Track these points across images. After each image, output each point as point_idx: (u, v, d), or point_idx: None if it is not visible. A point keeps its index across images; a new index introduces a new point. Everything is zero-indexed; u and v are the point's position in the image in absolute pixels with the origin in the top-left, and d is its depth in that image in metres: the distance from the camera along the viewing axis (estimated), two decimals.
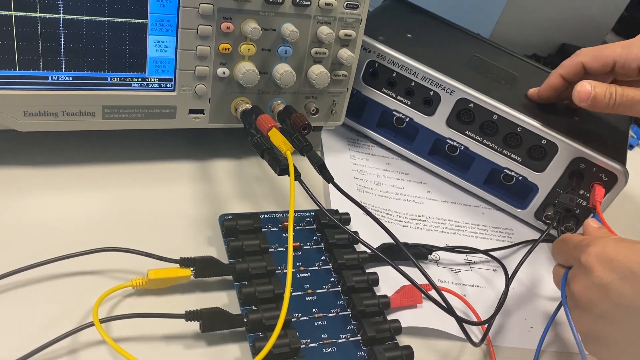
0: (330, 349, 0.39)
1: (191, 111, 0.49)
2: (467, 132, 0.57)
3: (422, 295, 0.43)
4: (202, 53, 0.46)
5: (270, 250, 0.44)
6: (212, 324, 0.38)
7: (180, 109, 0.48)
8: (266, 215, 0.47)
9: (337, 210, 0.50)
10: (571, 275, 0.40)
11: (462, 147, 0.58)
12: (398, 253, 0.46)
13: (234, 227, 0.45)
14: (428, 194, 0.60)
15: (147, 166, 0.51)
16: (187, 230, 0.46)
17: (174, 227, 0.46)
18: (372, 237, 0.46)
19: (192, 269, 0.41)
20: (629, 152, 0.79)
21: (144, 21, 0.44)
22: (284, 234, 0.46)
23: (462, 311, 0.46)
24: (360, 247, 0.47)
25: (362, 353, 0.40)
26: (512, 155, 0.56)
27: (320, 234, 0.48)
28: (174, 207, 0.48)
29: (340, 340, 0.40)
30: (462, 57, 0.63)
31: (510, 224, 0.59)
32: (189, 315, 0.38)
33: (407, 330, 0.42)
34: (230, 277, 0.42)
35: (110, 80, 0.45)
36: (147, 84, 0.47)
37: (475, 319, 0.46)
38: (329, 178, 0.46)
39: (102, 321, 0.36)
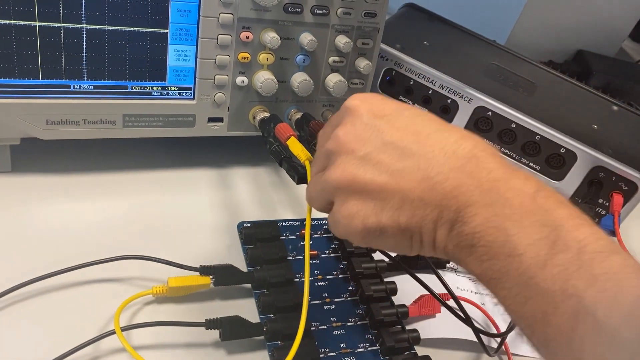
0: (349, 359, 0.39)
1: (210, 119, 0.49)
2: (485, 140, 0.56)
3: (441, 305, 0.43)
4: (222, 62, 0.47)
5: (289, 258, 0.44)
6: (231, 332, 0.38)
7: (199, 117, 0.49)
8: (284, 223, 0.47)
9: None
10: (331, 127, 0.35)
11: None
12: (416, 261, 0.46)
13: (253, 235, 0.45)
14: None
15: (167, 174, 0.52)
16: (206, 238, 0.47)
17: (193, 235, 0.47)
18: None
19: (211, 277, 0.41)
20: None
21: (164, 31, 0.45)
22: (301, 242, 0.47)
23: (482, 321, 0.46)
24: (378, 256, 0.47)
25: None
26: (531, 164, 0.56)
27: (338, 242, 0.48)
28: (193, 214, 0.49)
29: (358, 350, 0.40)
30: (479, 64, 0.63)
31: None
32: (209, 324, 0.38)
33: (425, 340, 0.42)
34: (249, 285, 0.43)
35: (131, 88, 0.46)
36: (167, 93, 0.47)
37: (494, 329, 0.45)
38: None
39: (123, 329, 0.36)
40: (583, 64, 0.90)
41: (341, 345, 0.40)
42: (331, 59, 0.50)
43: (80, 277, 0.40)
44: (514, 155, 0.56)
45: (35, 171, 0.48)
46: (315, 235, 0.48)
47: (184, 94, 0.48)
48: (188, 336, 0.38)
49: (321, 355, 0.39)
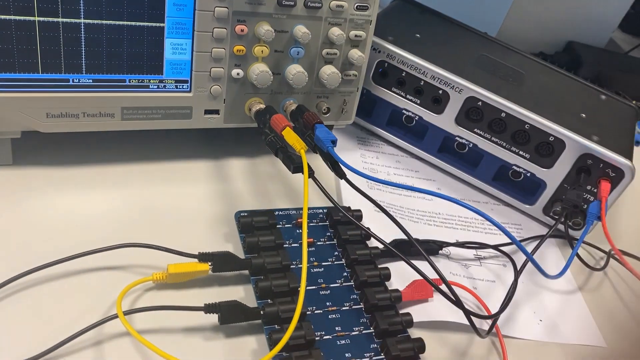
0: (344, 341, 0.41)
1: (207, 112, 0.50)
2: (475, 129, 0.58)
3: (433, 289, 0.44)
4: (217, 55, 0.48)
5: (285, 245, 0.46)
6: (230, 316, 0.39)
7: (196, 110, 0.50)
8: (281, 212, 0.49)
9: (349, 208, 0.51)
10: None
11: (471, 145, 0.59)
12: (409, 248, 0.47)
13: (250, 224, 0.46)
14: (438, 191, 0.61)
15: (165, 165, 0.53)
16: (204, 227, 0.48)
17: (191, 224, 0.48)
18: (383, 233, 0.46)
19: (210, 263, 0.42)
20: (636, 148, 0.81)
21: (161, 25, 0.46)
22: (297, 230, 0.48)
23: (473, 304, 0.48)
24: (372, 243, 0.48)
25: (375, 345, 0.41)
26: (520, 152, 0.57)
27: (333, 231, 0.49)
28: (192, 204, 0.50)
29: (353, 333, 0.41)
30: (470, 56, 0.64)
31: (519, 219, 0.60)
32: (208, 308, 0.39)
33: (418, 323, 0.43)
34: (246, 272, 0.44)
35: (129, 82, 0.47)
36: (164, 86, 0.48)
37: (485, 312, 0.47)
38: (341, 174, 0.47)
39: (125, 313, 0.37)
40: (573, 55, 0.91)
41: (336, 328, 0.41)
42: (325, 51, 0.51)
43: (80, 265, 0.41)
44: (505, 144, 0.57)
45: (36, 164, 0.49)
46: (311, 224, 0.49)
47: (180, 87, 0.49)
48: (188, 320, 0.40)
49: (317, 338, 0.40)
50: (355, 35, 0.52)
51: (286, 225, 0.48)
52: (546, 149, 0.56)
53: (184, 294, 0.42)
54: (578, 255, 0.55)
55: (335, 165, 0.48)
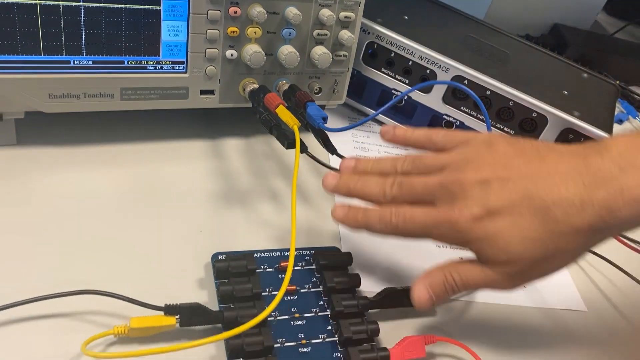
0: None
1: (202, 92, 0.52)
2: (462, 107, 0.60)
3: (425, 346, 0.42)
4: (212, 36, 0.49)
5: (263, 294, 0.42)
6: None
7: (192, 90, 0.52)
8: (263, 254, 0.45)
9: (338, 250, 0.48)
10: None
11: (458, 123, 0.61)
12: (402, 299, 0.44)
13: (226, 269, 0.42)
14: None
15: (163, 145, 0.55)
16: (202, 203, 0.50)
17: (189, 201, 0.50)
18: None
19: (177, 317, 0.38)
20: (619, 126, 0.83)
21: (157, 7, 0.47)
22: (280, 275, 0.44)
23: None
24: (361, 292, 0.45)
25: None
26: (505, 129, 0.59)
27: (319, 276, 0.45)
28: (189, 182, 0.52)
29: None
30: (456, 37, 0.66)
31: None
32: None
33: None
34: (218, 325, 0.40)
35: (127, 63, 0.49)
36: (162, 67, 0.50)
37: None
38: (332, 150, 0.49)
39: None
40: (559, 37, 0.93)
41: None
42: (315, 32, 0.53)
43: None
44: (490, 121, 0.59)
45: (39, 144, 0.51)
46: (295, 268, 0.45)
47: (177, 68, 0.51)
48: None
49: None
50: (345, 17, 0.54)
51: (267, 270, 0.44)
52: (530, 125, 0.58)
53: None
54: None
55: (326, 141, 0.50)
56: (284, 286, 0.37)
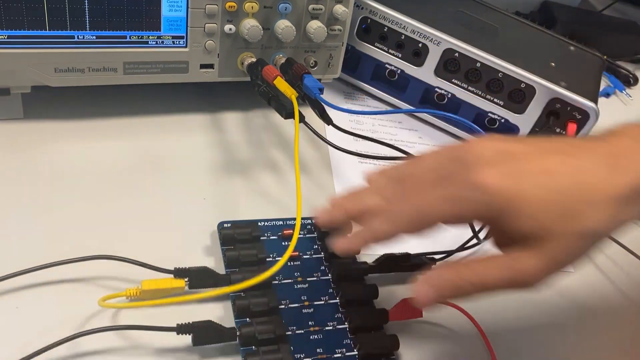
0: None
1: (202, 66, 0.54)
2: (453, 80, 0.62)
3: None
4: (211, 11, 0.51)
5: (268, 259, 0.43)
6: (204, 337, 0.37)
7: (192, 64, 0.53)
8: (266, 223, 0.46)
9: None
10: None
11: (450, 95, 0.63)
12: (399, 263, 0.46)
13: (232, 236, 0.44)
14: (419, 139, 0.65)
15: (165, 118, 0.57)
16: (204, 173, 0.52)
17: (191, 171, 0.52)
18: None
19: (186, 279, 0.40)
20: (606, 99, 0.85)
21: None
22: (283, 243, 0.46)
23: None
24: (361, 258, 0.46)
25: None
26: (495, 100, 0.61)
27: (321, 243, 0.47)
28: (190, 153, 0.54)
29: (336, 355, 0.39)
30: (448, 12, 0.67)
31: None
32: (181, 329, 0.37)
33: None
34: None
35: (129, 38, 0.50)
36: (162, 42, 0.52)
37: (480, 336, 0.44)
38: (328, 121, 0.51)
39: (95, 332, 0.36)
40: (548, 14, 0.95)
41: (318, 350, 0.39)
42: (311, 6, 0.55)
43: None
44: (480, 92, 0.61)
45: (45, 117, 0.53)
46: (298, 236, 0.46)
47: (177, 42, 0.52)
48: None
49: None
50: None
51: (271, 237, 0.46)
52: (518, 96, 0.60)
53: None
54: None
55: (323, 112, 0.52)
56: (294, 240, 0.39)
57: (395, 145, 0.57)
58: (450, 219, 0.34)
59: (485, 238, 0.51)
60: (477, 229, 0.50)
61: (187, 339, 0.38)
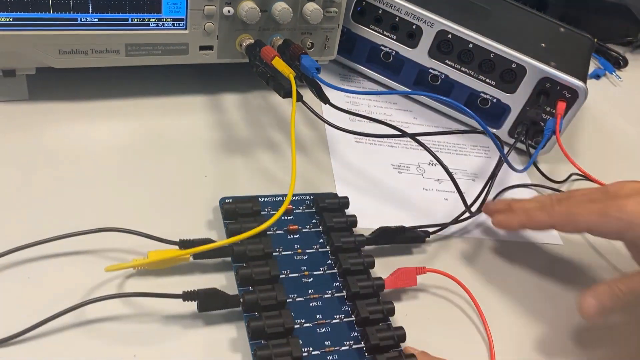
0: (324, 329, 0.41)
1: (201, 47, 0.55)
2: (446, 61, 0.63)
3: (417, 276, 0.46)
4: None
5: (268, 232, 0.45)
6: (208, 304, 0.39)
7: (192, 46, 0.55)
8: (266, 199, 0.48)
9: (335, 195, 0.50)
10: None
11: (443, 76, 0.65)
12: (395, 236, 0.48)
13: (234, 210, 0.46)
14: (414, 120, 0.67)
15: (166, 99, 0.58)
16: (205, 152, 0.54)
17: (192, 149, 0.53)
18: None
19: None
20: (596, 81, 0.87)
21: None
22: (282, 217, 0.47)
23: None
24: (357, 231, 0.48)
25: (355, 333, 0.41)
26: (487, 80, 0.63)
27: (319, 218, 0.48)
28: (191, 134, 0.55)
29: (334, 321, 0.41)
30: None
31: (487, 142, 0.66)
32: (187, 296, 0.39)
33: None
34: (228, 259, 0.44)
35: (131, 20, 0.52)
36: (163, 24, 0.53)
37: (470, 300, 0.47)
38: (325, 100, 0.53)
39: (103, 299, 0.38)
40: None
41: (317, 316, 0.41)
42: None
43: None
44: (473, 73, 0.63)
45: (50, 99, 0.54)
46: (296, 211, 0.49)
47: (177, 25, 0.54)
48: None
49: (296, 326, 0.40)
50: None
51: (271, 212, 0.47)
52: (509, 75, 0.61)
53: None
54: (539, 169, 0.61)
55: (320, 91, 0.53)
56: (289, 196, 0.41)
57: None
58: (594, 228, 0.44)
59: (477, 211, 0.53)
60: (469, 202, 0.52)
61: (192, 306, 0.40)
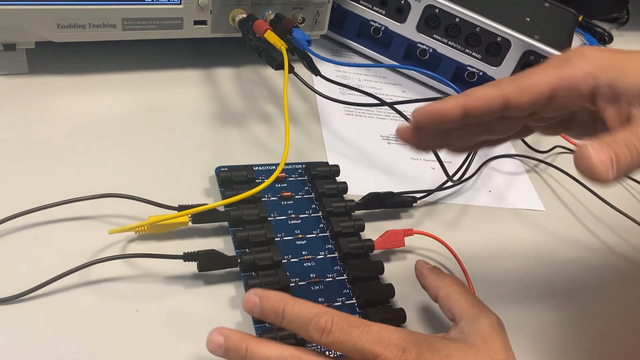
0: (317, 287, 0.43)
1: (195, 22, 0.57)
2: (434, 35, 0.65)
3: (404, 239, 0.48)
4: None
5: (263, 199, 0.48)
6: (208, 264, 0.41)
7: (186, 21, 0.56)
8: (260, 168, 0.50)
9: (327, 163, 0.53)
10: None
11: (431, 50, 0.66)
12: (384, 201, 0.51)
13: (229, 178, 0.48)
14: (403, 93, 0.69)
15: (162, 73, 0.60)
16: (200, 122, 0.56)
17: (187, 122, 0.55)
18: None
19: (189, 216, 0.43)
20: None
21: None
22: (276, 185, 0.50)
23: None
24: (348, 196, 0.50)
25: (347, 290, 0.44)
26: (473, 54, 0.65)
27: (311, 185, 0.50)
28: (186, 106, 0.57)
29: (327, 279, 0.44)
30: None
31: None
32: (187, 256, 0.41)
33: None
34: (226, 224, 0.46)
35: None
36: None
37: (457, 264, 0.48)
38: (316, 71, 0.55)
39: (107, 260, 0.40)
40: None
41: (311, 275, 0.44)
42: None
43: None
44: (459, 47, 0.65)
45: (49, 72, 0.56)
46: (289, 179, 0.51)
47: (172, 0, 0.55)
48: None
49: (292, 284, 0.43)
50: None
51: (266, 180, 0.47)
52: (495, 49, 0.63)
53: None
54: (523, 140, 0.64)
55: (310, 63, 0.55)
56: (284, 158, 0.43)
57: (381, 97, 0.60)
58: (558, 87, 0.34)
59: (459, 181, 0.55)
60: (450, 173, 0.55)
61: (192, 267, 0.42)
